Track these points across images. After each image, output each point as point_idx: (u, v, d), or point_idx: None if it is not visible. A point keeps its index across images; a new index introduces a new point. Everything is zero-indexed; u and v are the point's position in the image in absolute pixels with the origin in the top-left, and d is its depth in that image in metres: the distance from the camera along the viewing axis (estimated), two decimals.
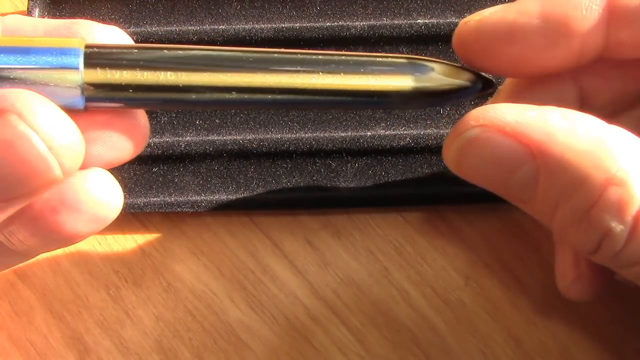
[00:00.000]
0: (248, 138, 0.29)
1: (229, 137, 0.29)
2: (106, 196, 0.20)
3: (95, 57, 0.19)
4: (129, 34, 0.22)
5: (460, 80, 0.21)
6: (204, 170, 0.29)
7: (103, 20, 0.30)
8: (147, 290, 0.28)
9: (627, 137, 0.19)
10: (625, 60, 0.21)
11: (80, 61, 0.19)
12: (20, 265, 0.27)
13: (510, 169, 0.19)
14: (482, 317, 0.27)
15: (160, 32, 0.29)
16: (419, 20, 0.29)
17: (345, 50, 0.29)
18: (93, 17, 0.30)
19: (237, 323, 0.27)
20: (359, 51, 0.29)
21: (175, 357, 0.27)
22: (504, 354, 0.27)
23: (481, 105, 0.20)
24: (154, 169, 0.29)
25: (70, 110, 0.19)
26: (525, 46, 0.20)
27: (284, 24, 0.30)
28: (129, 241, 0.28)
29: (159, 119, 0.29)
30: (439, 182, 0.28)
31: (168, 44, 0.29)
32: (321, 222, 0.28)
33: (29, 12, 0.29)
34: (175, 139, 0.29)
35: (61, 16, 0.30)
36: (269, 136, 0.29)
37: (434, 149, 0.29)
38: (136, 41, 0.23)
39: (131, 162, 0.25)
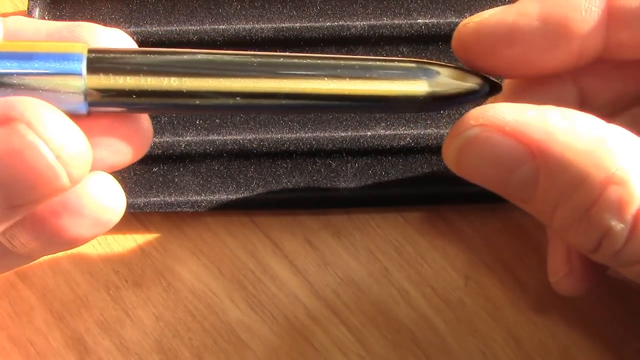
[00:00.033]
0: (248, 138, 0.29)
1: (229, 137, 0.29)
2: (109, 200, 0.20)
3: (98, 62, 0.19)
4: (129, 34, 0.21)
5: (468, 83, 0.20)
6: (204, 170, 0.29)
7: (103, 20, 0.30)
8: (147, 290, 0.28)
9: (626, 136, 0.19)
10: (625, 61, 0.21)
11: (83, 67, 0.19)
12: None
13: (510, 168, 0.19)
14: (482, 317, 0.27)
15: (161, 32, 0.29)
16: (419, 20, 0.29)
17: (345, 50, 0.30)
18: (93, 17, 0.30)
19: (237, 323, 0.27)
20: (359, 51, 0.30)
21: (175, 357, 0.27)
22: (504, 354, 0.27)
23: (481, 105, 0.20)
24: (154, 169, 0.29)
25: (73, 115, 0.19)
26: (525, 48, 0.20)
27: (284, 23, 0.30)
28: (129, 241, 0.28)
29: (159, 119, 0.29)
30: (439, 182, 0.28)
31: (168, 43, 0.29)
32: (321, 222, 0.28)
33: (29, 12, 0.29)
34: (175, 138, 0.29)
35: (61, 16, 0.30)
36: (269, 136, 0.29)
37: (434, 149, 0.29)
38: (137, 41, 0.22)
39: None
